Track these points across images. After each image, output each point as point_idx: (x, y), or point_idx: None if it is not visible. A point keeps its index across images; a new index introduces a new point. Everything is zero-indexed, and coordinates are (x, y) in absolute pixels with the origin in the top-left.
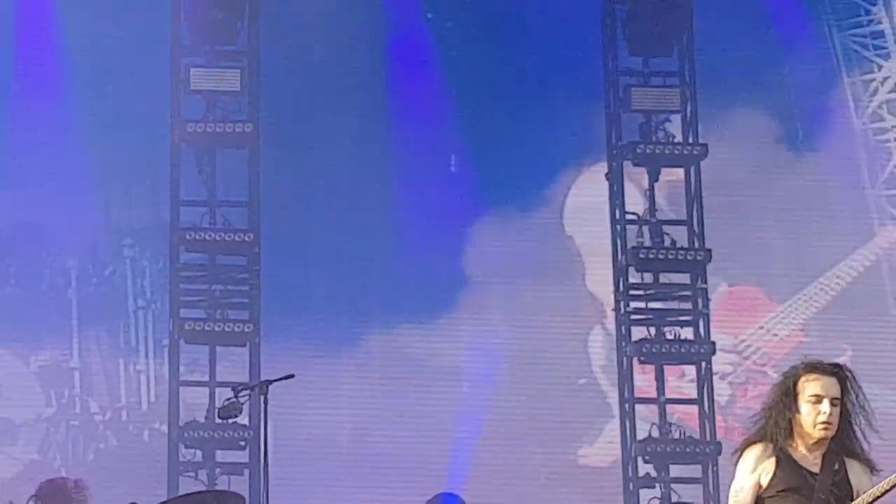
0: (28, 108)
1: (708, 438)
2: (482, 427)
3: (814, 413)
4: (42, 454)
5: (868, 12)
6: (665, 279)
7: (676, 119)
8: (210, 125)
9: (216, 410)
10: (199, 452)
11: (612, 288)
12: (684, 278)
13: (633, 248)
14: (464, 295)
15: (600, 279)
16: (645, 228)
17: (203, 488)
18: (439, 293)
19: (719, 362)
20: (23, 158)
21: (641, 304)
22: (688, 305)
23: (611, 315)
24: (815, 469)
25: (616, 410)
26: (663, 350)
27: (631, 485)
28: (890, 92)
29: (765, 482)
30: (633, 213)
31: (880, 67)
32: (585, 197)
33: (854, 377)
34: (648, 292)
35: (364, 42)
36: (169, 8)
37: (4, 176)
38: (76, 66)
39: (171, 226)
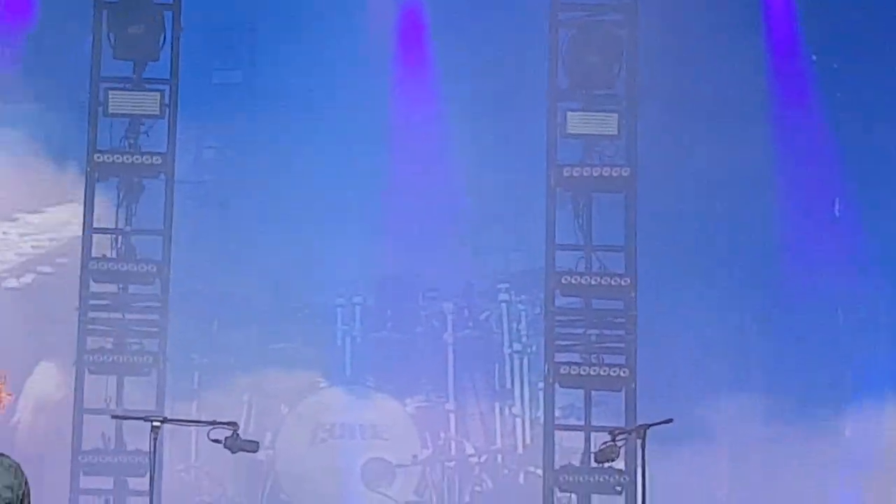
0: (404, 155)
1: None
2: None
3: None
4: (418, 495)
5: None
6: None
7: None
8: (587, 169)
9: (592, 454)
10: (574, 496)
11: None
12: None
13: None
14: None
15: None
16: None
17: None
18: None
19: None
20: (400, 204)
21: None
22: None
23: None
24: None
25: None
26: None
27: None
28: None
29: None
30: None
31: None
32: None
33: None
34: None
35: (746, 83)
36: (546, 52)
37: (381, 222)
38: (453, 111)
39: (546, 270)
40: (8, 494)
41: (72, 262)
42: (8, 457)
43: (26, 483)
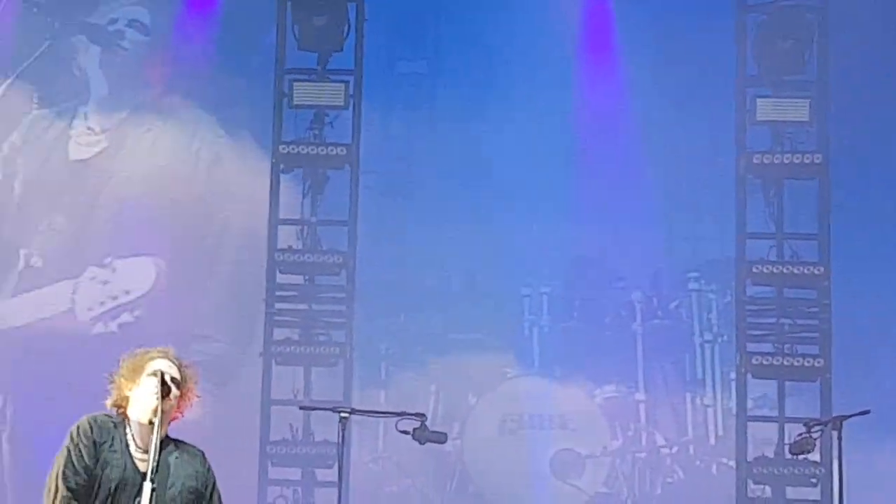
0: (590, 144)
1: None
2: None
3: None
4: (608, 487)
5: None
6: None
7: None
8: (777, 156)
9: (786, 446)
10: (767, 488)
11: None
12: None
13: None
14: None
15: None
16: None
17: None
18: None
19: None
20: (587, 194)
21: None
22: None
23: None
24: None
25: None
26: None
27: None
28: None
29: None
30: None
31: None
32: None
33: None
34: None
35: None
36: (732, 38)
37: (569, 211)
38: (640, 100)
39: (737, 259)
40: (192, 483)
41: (145, 315)
42: (193, 445)
43: (209, 470)
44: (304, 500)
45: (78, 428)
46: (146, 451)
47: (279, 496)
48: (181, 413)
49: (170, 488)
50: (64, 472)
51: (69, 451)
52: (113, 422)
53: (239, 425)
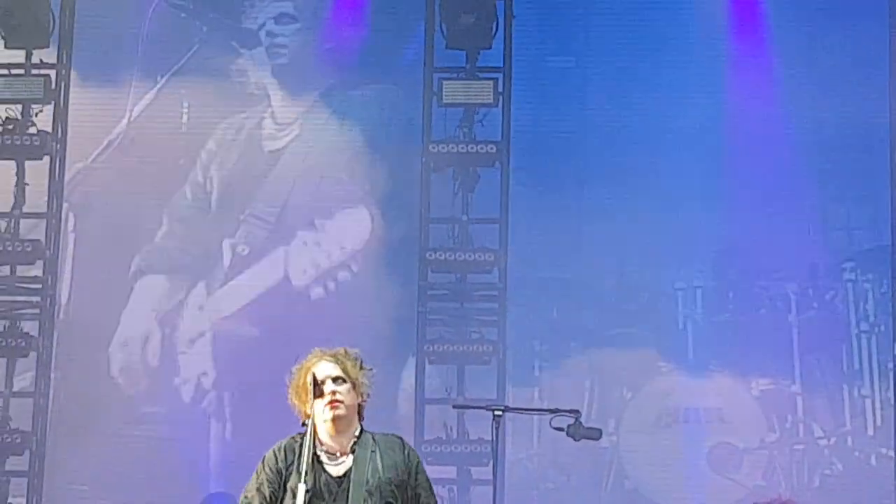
0: (742, 135)
1: None
2: None
3: None
4: (766, 480)
5: None
6: None
7: None
8: None
9: None
10: None
11: None
12: None
13: None
14: None
15: None
16: None
17: None
18: None
19: None
20: (741, 185)
21: None
22: None
23: None
24: None
25: None
26: None
27: None
28: None
29: None
30: None
31: None
32: None
33: None
34: None
35: None
36: (886, 24)
37: (722, 203)
38: (792, 88)
39: (892, 247)
40: (391, 474)
41: (362, 270)
42: (390, 434)
43: (409, 454)
44: (459, 499)
45: (264, 459)
46: (337, 457)
47: None
48: (363, 399)
49: (367, 483)
50: (248, 498)
51: (254, 481)
52: (300, 441)
53: (393, 425)
